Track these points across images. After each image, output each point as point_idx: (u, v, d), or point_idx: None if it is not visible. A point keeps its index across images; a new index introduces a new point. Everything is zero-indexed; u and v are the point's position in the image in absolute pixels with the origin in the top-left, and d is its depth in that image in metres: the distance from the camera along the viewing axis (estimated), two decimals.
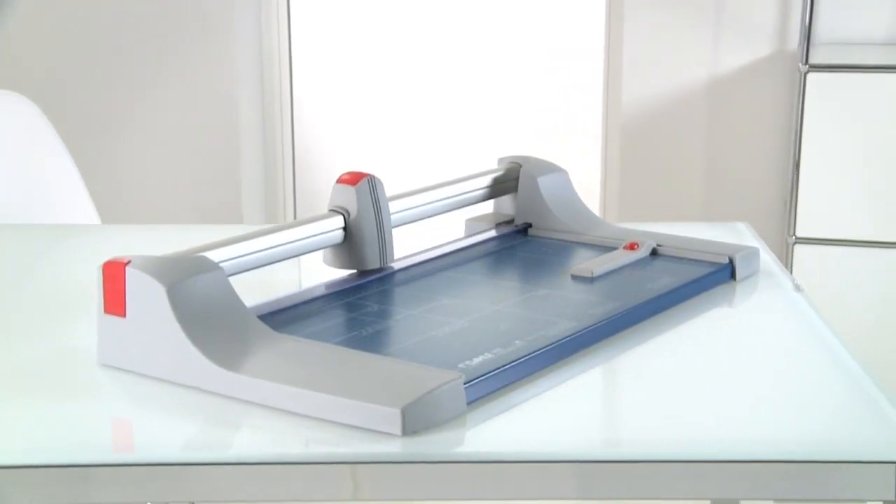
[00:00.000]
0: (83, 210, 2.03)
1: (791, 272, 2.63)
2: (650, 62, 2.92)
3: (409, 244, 1.28)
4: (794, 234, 2.64)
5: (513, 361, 0.92)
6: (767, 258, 1.27)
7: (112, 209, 3.22)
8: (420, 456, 0.81)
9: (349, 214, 1.12)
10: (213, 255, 1.00)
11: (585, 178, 3.32)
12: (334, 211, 1.12)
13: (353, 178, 1.12)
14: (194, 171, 3.20)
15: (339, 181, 1.13)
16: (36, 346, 1.03)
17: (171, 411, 0.89)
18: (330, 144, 3.50)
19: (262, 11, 3.25)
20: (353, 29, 3.45)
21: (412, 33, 3.44)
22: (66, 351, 1.01)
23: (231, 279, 1.13)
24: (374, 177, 1.13)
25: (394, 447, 0.82)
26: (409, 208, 1.20)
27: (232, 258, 1.02)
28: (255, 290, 1.14)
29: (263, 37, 3.27)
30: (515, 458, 0.81)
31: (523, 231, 1.30)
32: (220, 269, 0.96)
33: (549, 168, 1.31)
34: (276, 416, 0.87)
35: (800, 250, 2.63)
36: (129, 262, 0.94)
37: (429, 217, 1.23)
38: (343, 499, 0.81)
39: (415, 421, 0.83)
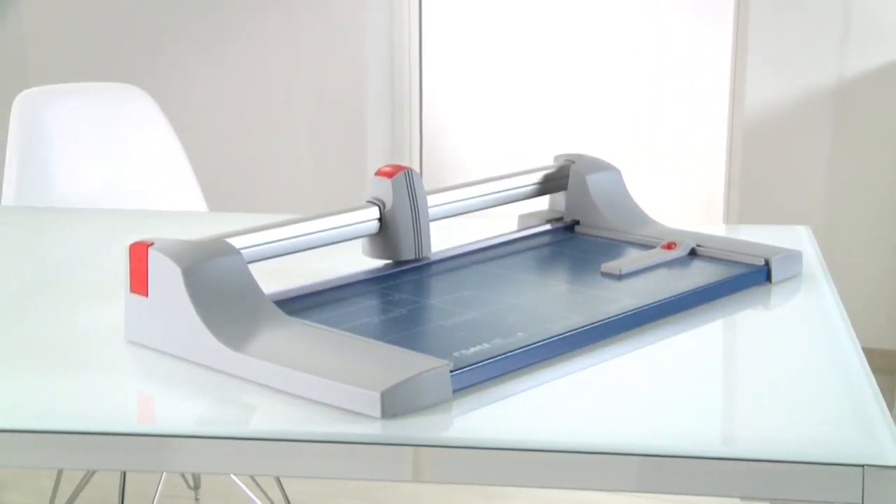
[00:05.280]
0: (191, 198, 2.11)
1: None
2: (776, 64, 2.87)
3: (458, 237, 1.31)
4: None
5: (507, 352, 0.94)
6: (815, 263, 1.26)
7: (242, 199, 3.32)
8: (396, 438, 0.84)
9: (385, 206, 1.15)
10: (237, 241, 1.04)
11: (709, 180, 3.28)
12: (371, 202, 1.16)
13: (391, 171, 1.15)
14: (320, 162, 3.27)
15: (378, 173, 1.16)
16: (74, 321, 1.09)
17: (184, 387, 0.93)
18: (456, 135, 3.54)
19: (394, 5, 3.31)
20: (485, 27, 3.48)
21: (546, 35, 3.45)
22: (100, 327, 1.07)
23: (281, 265, 1.18)
24: (411, 169, 1.16)
25: (373, 429, 0.85)
26: (450, 202, 1.23)
27: (256, 244, 1.06)
28: (300, 277, 1.18)
29: (394, 27, 3.34)
30: (491, 445, 0.83)
31: (570, 228, 1.31)
32: (239, 253, 1.01)
33: (601, 166, 1.32)
34: (273, 395, 0.91)
35: None
36: (152, 244, 0.99)
37: (472, 211, 1.26)
38: (320, 475, 0.84)
39: (395, 405, 0.86)
